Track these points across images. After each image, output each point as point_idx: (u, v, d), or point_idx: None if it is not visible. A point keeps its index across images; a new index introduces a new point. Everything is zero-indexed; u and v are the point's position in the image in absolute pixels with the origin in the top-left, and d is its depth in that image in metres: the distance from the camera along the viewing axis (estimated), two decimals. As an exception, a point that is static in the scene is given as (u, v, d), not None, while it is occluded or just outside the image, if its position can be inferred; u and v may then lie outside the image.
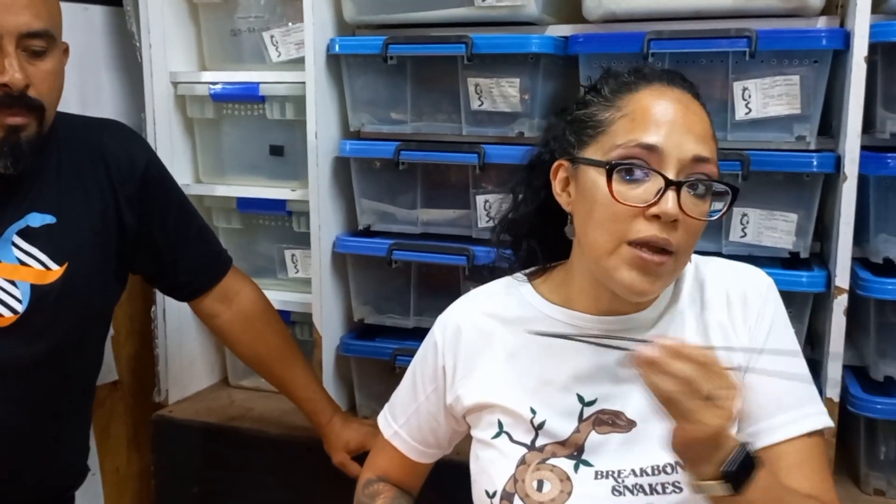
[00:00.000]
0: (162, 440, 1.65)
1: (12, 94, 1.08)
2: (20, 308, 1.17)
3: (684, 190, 0.88)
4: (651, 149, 0.89)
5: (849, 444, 1.39)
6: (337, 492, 1.48)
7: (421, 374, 1.09)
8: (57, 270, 1.19)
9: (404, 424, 1.12)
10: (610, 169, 0.90)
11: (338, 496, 1.48)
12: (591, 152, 0.94)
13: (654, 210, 0.87)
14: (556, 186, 0.99)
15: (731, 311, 0.98)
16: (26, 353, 1.18)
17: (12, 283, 1.16)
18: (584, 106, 0.97)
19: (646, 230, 0.88)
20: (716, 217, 0.93)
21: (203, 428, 1.62)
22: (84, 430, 1.36)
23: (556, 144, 1.01)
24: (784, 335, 0.99)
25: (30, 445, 1.23)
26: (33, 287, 1.17)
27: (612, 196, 0.89)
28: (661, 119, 0.90)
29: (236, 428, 1.60)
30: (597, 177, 0.91)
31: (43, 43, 1.11)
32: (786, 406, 0.95)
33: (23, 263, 1.17)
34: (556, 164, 0.99)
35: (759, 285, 1.00)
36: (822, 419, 0.96)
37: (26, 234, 1.18)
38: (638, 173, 0.89)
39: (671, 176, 0.88)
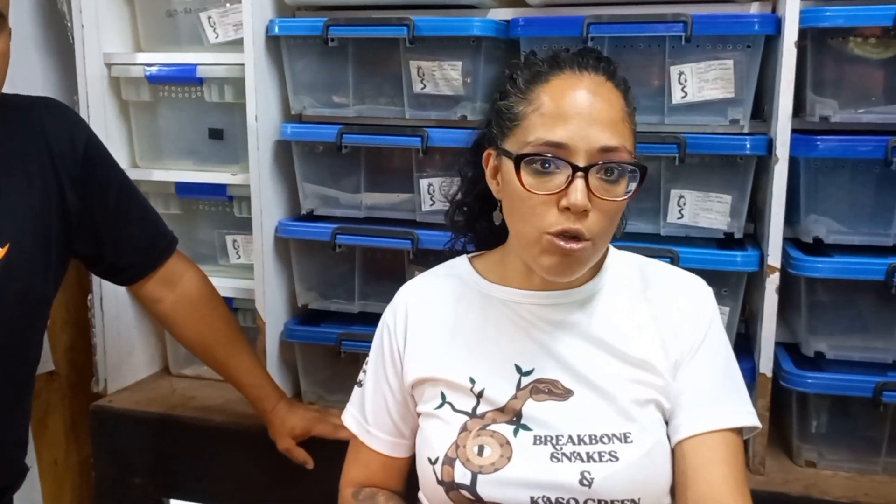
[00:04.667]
0: (101, 431, 1.62)
1: None
2: None
3: (595, 176, 0.92)
4: (558, 146, 0.92)
5: (781, 418, 1.44)
6: (282, 478, 1.48)
7: (381, 363, 1.10)
8: None
9: (375, 421, 1.11)
10: (517, 161, 0.94)
11: (283, 483, 1.48)
12: (509, 145, 0.97)
13: (563, 202, 0.91)
14: (488, 174, 1.03)
15: (675, 315, 1.02)
16: None
17: None
18: (504, 97, 1.00)
19: (558, 222, 0.92)
20: (628, 196, 0.95)
21: (144, 417, 1.59)
22: (23, 425, 1.31)
23: (488, 130, 1.04)
24: (719, 338, 1.02)
25: None
26: None
27: (523, 186, 0.93)
28: (567, 113, 0.93)
29: (178, 417, 1.58)
30: (513, 169, 0.95)
31: None
32: (709, 402, 0.98)
33: None
34: (486, 152, 1.04)
35: (703, 295, 1.04)
36: (748, 418, 0.99)
37: None
38: (548, 166, 0.93)
39: (580, 164, 0.91)
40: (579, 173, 0.91)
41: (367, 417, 1.12)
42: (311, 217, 1.58)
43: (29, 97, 1.26)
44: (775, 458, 1.39)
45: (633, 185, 0.95)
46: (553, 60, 0.99)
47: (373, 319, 1.49)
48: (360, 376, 1.14)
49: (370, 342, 1.15)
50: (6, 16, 1.10)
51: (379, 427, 1.11)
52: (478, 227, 1.13)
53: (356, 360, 1.54)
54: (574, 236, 0.92)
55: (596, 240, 0.94)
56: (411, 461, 1.11)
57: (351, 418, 1.14)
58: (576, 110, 0.93)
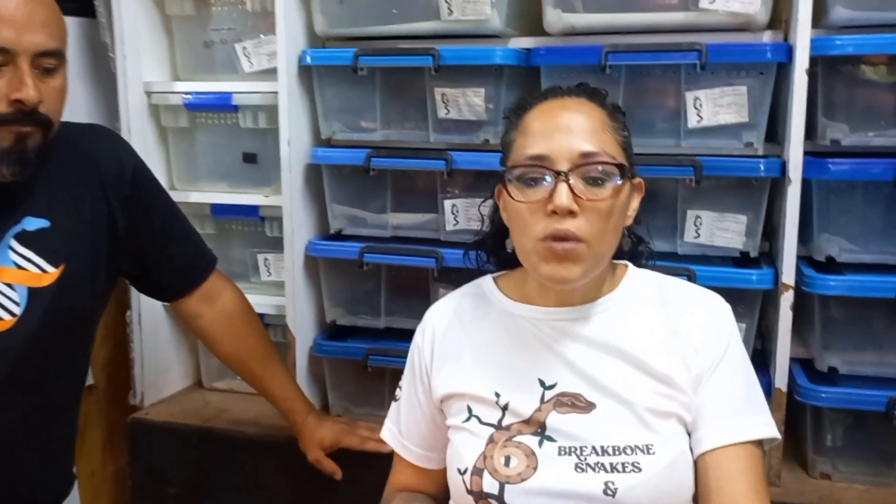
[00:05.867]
0: (138, 442, 1.68)
1: (25, 111, 1.11)
2: (18, 311, 1.18)
3: (577, 181, 0.98)
4: (540, 158, 0.99)
5: (796, 431, 1.47)
6: (311, 488, 1.52)
7: (413, 380, 1.16)
8: (53, 273, 1.21)
9: (408, 434, 1.17)
10: (504, 175, 1.02)
11: (312, 492, 1.53)
12: (506, 169, 1.05)
13: (550, 206, 0.97)
14: (501, 207, 1.10)
15: (695, 331, 1.05)
16: (26, 356, 1.19)
17: (10, 286, 1.18)
18: (505, 133, 1.09)
19: (548, 225, 0.98)
20: (614, 195, 0.99)
21: (179, 429, 1.65)
22: (72, 436, 1.37)
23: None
24: (739, 353, 1.07)
25: (23, 451, 1.24)
26: (30, 290, 1.19)
27: (511, 197, 1.01)
28: (547, 129, 1.01)
29: (212, 429, 1.63)
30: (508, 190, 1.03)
31: (54, 61, 1.14)
32: (730, 415, 1.02)
33: (19, 267, 1.19)
34: (497, 188, 1.10)
35: (722, 311, 1.08)
36: (768, 430, 1.03)
37: (22, 237, 1.20)
38: (535, 178, 1.00)
39: (562, 169, 0.98)
40: (561, 177, 0.97)
41: (401, 431, 1.18)
42: (339, 236, 1.64)
43: (80, 124, 1.34)
44: (791, 471, 1.43)
45: (619, 186, 0.99)
46: (540, 93, 1.08)
47: (398, 335, 1.55)
48: (397, 392, 1.20)
49: (396, 357, 1.21)
50: (64, 53, 1.18)
51: (411, 440, 1.17)
52: (503, 255, 1.19)
53: (382, 375, 1.59)
54: (563, 237, 0.97)
55: (591, 241, 0.98)
56: (445, 472, 1.16)
57: (388, 431, 1.20)
58: (555, 125, 1.01)
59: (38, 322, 1.20)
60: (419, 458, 1.17)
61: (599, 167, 0.99)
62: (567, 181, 0.97)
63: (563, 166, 0.98)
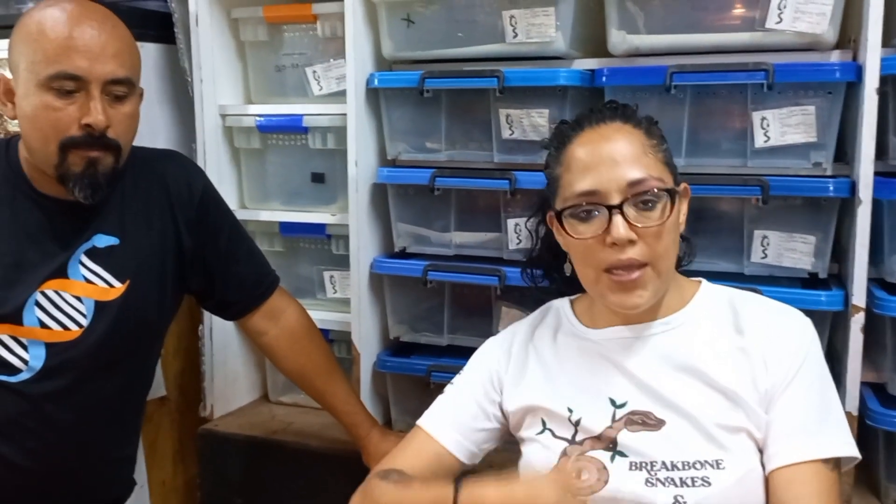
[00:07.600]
0: (208, 453, 1.73)
1: (94, 134, 1.19)
2: (85, 322, 1.26)
3: (630, 209, 1.00)
4: (590, 194, 1.02)
5: (868, 457, 1.43)
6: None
7: (478, 375, 1.18)
8: (119, 288, 1.28)
9: (453, 419, 1.16)
10: (558, 216, 1.05)
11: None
12: (557, 205, 1.08)
13: (608, 239, 0.99)
14: (555, 232, 1.13)
15: (767, 347, 1.05)
16: (90, 365, 1.27)
17: (79, 299, 1.26)
18: (548, 166, 1.12)
19: (610, 257, 1.00)
20: (663, 219, 1.01)
21: (247, 441, 1.70)
22: (134, 442, 1.44)
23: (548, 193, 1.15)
24: (816, 369, 1.05)
25: (87, 454, 1.31)
26: (97, 303, 1.27)
27: (569, 235, 1.03)
28: (591, 162, 1.03)
29: (278, 441, 1.68)
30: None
31: (124, 89, 1.22)
32: (802, 433, 1.01)
33: (88, 281, 1.27)
34: (548, 215, 1.13)
35: (797, 326, 1.07)
36: (843, 448, 1.01)
37: (92, 253, 1.28)
38: (586, 213, 1.02)
39: (615, 203, 1.00)
40: (615, 210, 1.00)
41: (437, 411, 1.18)
42: (403, 254, 1.67)
43: (155, 150, 1.42)
44: (862, 497, 1.39)
45: (669, 207, 1.02)
46: (575, 122, 1.10)
47: (461, 352, 1.57)
48: (446, 388, 1.21)
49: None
50: (135, 82, 1.25)
51: (450, 422, 1.16)
52: (554, 276, 1.23)
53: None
54: (627, 266, 1.00)
55: (654, 263, 1.01)
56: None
57: (425, 416, 1.19)
58: (598, 158, 1.03)
59: (103, 334, 1.27)
60: (451, 442, 1.14)
61: (650, 192, 1.01)
62: (621, 213, 1.00)
63: (615, 199, 1.00)
